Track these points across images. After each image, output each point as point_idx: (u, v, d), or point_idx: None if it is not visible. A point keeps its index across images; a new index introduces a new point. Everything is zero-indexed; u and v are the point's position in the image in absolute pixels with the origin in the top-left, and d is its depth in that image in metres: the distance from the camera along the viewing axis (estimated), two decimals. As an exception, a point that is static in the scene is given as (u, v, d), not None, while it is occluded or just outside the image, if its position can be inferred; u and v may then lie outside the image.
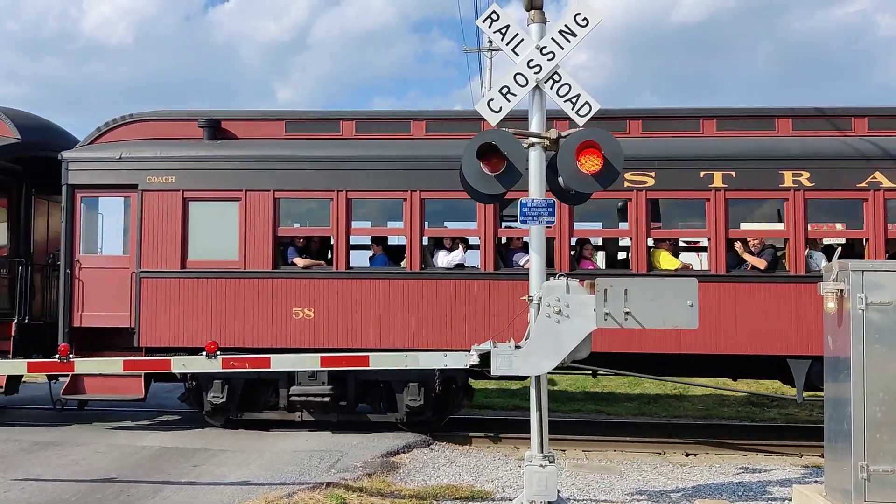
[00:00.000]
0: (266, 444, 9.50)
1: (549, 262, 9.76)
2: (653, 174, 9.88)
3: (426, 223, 10.33)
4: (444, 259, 10.25)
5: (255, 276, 10.18)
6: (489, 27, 6.61)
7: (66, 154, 10.72)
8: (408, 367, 7.28)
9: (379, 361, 7.04)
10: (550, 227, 6.72)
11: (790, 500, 7.13)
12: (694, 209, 10.27)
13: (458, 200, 9.53)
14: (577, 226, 10.38)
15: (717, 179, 9.79)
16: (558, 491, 6.48)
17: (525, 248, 10.03)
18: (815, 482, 7.62)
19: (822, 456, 7.21)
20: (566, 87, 6.51)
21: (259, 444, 9.49)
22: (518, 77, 6.50)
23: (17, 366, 9.13)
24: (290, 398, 10.06)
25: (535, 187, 6.49)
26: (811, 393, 9.79)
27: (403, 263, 10.28)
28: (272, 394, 10.37)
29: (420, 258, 10.07)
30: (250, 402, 10.39)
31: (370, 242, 10.91)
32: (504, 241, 10.40)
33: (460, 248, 10.33)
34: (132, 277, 10.41)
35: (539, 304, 6.20)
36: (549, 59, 6.46)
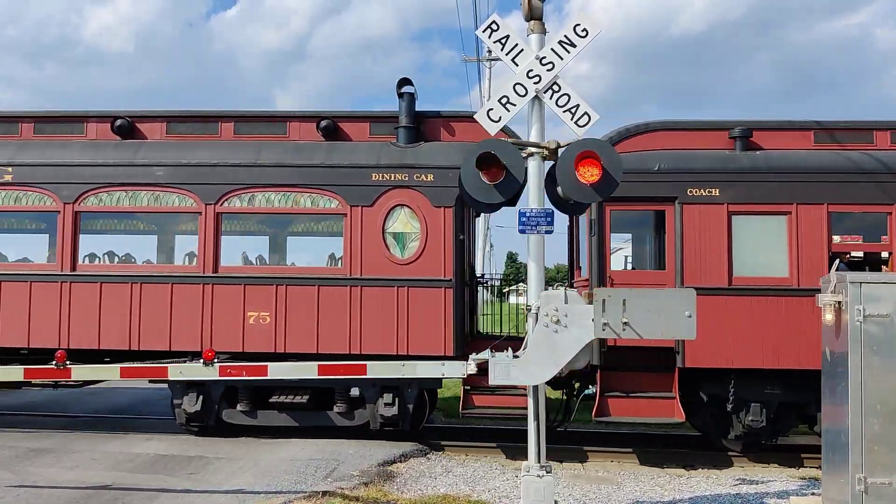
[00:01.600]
0: (262, 453, 9.47)
1: None
2: None
3: None
4: None
5: (810, 294, 9.30)
6: (489, 37, 6.62)
7: None
8: (405, 376, 7.26)
9: (376, 370, 7.03)
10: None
11: (788, 512, 7.13)
12: None
13: None
14: None
15: None
16: (556, 501, 6.46)
17: None
18: (813, 494, 7.61)
19: (819, 468, 7.20)
20: (565, 98, 6.51)
21: (255, 453, 9.46)
22: (517, 87, 6.51)
23: (13, 372, 9.06)
24: None
25: (534, 197, 6.50)
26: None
27: None
28: (793, 416, 10.05)
29: None
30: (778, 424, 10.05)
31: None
32: None
33: None
34: None
35: (537, 314, 6.20)
36: (548, 70, 6.47)
